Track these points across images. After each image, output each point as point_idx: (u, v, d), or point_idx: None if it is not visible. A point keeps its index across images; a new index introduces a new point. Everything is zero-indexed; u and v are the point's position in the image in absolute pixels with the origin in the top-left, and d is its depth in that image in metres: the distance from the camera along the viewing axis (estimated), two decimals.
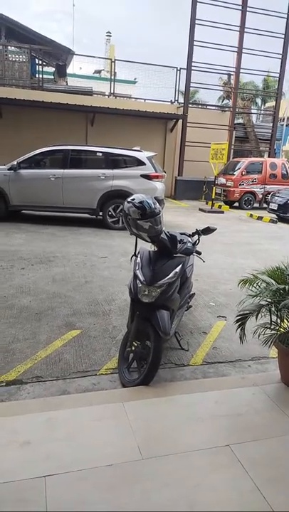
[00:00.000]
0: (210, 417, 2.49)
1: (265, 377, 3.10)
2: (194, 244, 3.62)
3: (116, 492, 1.89)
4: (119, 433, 2.32)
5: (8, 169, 8.48)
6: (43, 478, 1.93)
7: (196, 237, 3.74)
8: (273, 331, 2.82)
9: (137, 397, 2.69)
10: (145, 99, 17.28)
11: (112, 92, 16.50)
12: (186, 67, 15.70)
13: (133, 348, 3.00)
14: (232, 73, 17.32)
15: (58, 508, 1.78)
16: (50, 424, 2.36)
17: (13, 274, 5.31)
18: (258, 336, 2.84)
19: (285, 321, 2.86)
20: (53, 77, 18.47)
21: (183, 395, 2.77)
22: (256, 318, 2.84)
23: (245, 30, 15.98)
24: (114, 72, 17.11)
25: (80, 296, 4.67)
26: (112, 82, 16.42)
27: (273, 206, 12.21)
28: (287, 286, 2.76)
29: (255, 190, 14.24)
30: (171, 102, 17.04)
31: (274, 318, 2.86)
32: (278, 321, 2.86)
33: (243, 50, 16.27)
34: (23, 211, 9.30)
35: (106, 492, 1.88)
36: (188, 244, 3.40)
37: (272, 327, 2.84)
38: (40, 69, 16.59)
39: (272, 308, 2.82)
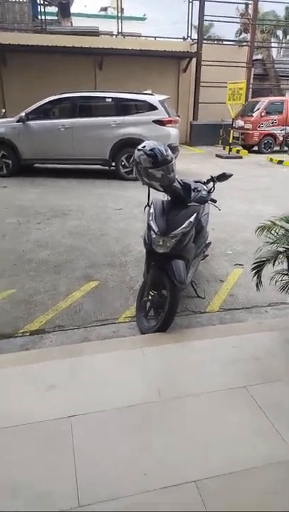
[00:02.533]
0: (227, 361, 2.56)
1: (283, 322, 3.13)
2: (209, 192, 3.51)
3: (136, 431, 2.00)
4: (139, 377, 2.42)
5: (17, 121, 8.26)
6: (68, 419, 2.06)
7: (210, 184, 3.62)
8: None
9: (156, 342, 2.77)
10: (156, 37, 16.14)
11: (120, 31, 15.42)
12: None
13: (150, 298, 3.04)
14: (250, 2, 15.80)
15: (84, 445, 1.91)
16: (73, 370, 2.47)
17: (30, 229, 5.35)
18: (275, 283, 2.82)
19: None
20: (56, 17, 17.34)
21: (200, 340, 2.84)
22: (273, 265, 2.81)
23: None
24: (122, 9, 15.91)
25: (96, 249, 4.70)
26: (120, 20, 15.28)
27: None
28: None
29: (275, 132, 13.51)
30: (183, 38, 15.86)
31: None
32: None
33: None
34: (36, 165, 9.18)
35: (127, 431, 2.00)
36: (203, 192, 3.30)
37: None
38: (43, 9, 15.52)
39: None
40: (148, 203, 3.09)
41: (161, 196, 3.14)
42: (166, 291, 2.89)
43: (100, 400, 2.20)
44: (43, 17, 15.08)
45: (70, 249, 4.66)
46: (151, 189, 2.96)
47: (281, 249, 2.76)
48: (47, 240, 4.97)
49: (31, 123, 8.25)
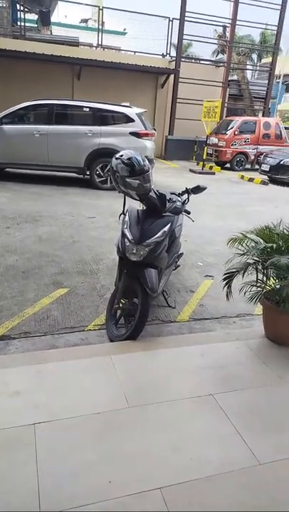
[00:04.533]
0: (195, 369, 2.58)
1: (249, 332, 3.19)
2: (184, 203, 3.58)
3: (103, 438, 1.97)
4: (107, 384, 2.39)
5: None
6: (32, 426, 2.00)
7: (185, 196, 3.69)
8: (259, 289, 2.87)
9: (124, 350, 2.75)
10: (135, 52, 16.41)
11: (99, 43, 15.57)
12: (179, 17, 14.80)
13: (121, 305, 3.03)
14: (227, 25, 16.44)
15: (47, 453, 1.85)
16: (39, 376, 2.41)
17: None
18: (244, 294, 2.89)
19: (271, 278, 2.90)
20: (36, 25, 17.32)
21: (169, 348, 2.85)
22: (243, 276, 2.88)
23: None
24: (103, 22, 16.07)
25: (67, 256, 4.65)
26: (100, 33, 15.45)
27: (265, 167, 12.08)
28: (274, 245, 2.77)
29: (247, 150, 13.98)
30: (162, 55, 16.22)
31: (260, 276, 2.90)
32: (264, 279, 2.90)
33: (240, 0, 15.36)
34: (8, 169, 9.02)
35: (93, 438, 1.96)
36: (178, 203, 3.35)
37: (258, 285, 2.89)
38: (23, 16, 15.46)
39: (259, 267, 2.85)
40: (123, 211, 3.11)
41: (136, 205, 3.16)
42: (137, 300, 2.89)
43: (65, 407, 2.15)
44: (22, 23, 15.01)
45: (40, 256, 4.58)
46: (126, 198, 2.98)
47: (251, 261, 2.84)
48: (16, 245, 4.86)
49: (5, 127, 8.14)
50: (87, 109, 8.52)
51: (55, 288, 3.80)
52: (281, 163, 11.53)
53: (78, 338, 3.04)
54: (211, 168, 13.43)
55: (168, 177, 10.88)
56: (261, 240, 2.91)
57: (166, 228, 2.97)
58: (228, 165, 13.98)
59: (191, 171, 12.79)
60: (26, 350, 2.83)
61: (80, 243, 5.11)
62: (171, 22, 15.26)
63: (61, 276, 4.08)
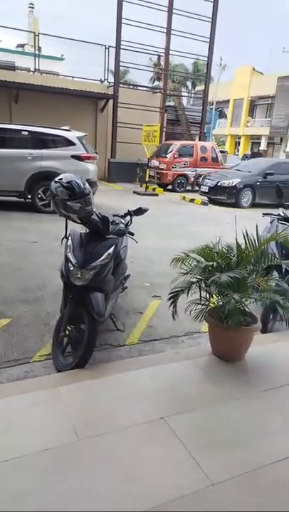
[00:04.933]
0: (145, 393, 2.54)
1: (197, 350, 3.24)
2: (127, 225, 3.60)
3: (53, 477, 1.86)
4: (55, 417, 2.28)
5: None
6: None
7: (128, 217, 3.73)
8: (203, 306, 2.94)
9: (72, 380, 2.65)
10: (73, 77, 16.64)
11: (37, 68, 15.60)
12: (115, 45, 15.32)
13: (67, 333, 2.94)
14: (162, 54, 17.31)
15: None
16: None
17: None
18: (190, 312, 2.94)
19: (214, 296, 2.99)
20: None
21: (119, 374, 2.79)
22: (187, 295, 2.94)
23: (174, 11, 15.95)
24: (39, 47, 16.17)
25: (9, 284, 4.45)
26: (37, 58, 15.51)
27: (204, 189, 12.62)
28: (214, 263, 2.87)
29: (187, 172, 14.58)
30: (100, 80, 16.61)
31: (204, 294, 2.98)
32: (208, 296, 2.98)
33: (172, 32, 16.28)
34: None
35: (43, 478, 1.84)
36: (121, 225, 3.37)
37: (202, 302, 2.96)
38: None
39: (202, 285, 2.92)
40: (65, 235, 3.05)
41: (79, 228, 3.13)
42: (84, 326, 2.83)
43: (11, 446, 2.01)
44: None
45: None
46: (69, 221, 2.94)
47: (194, 280, 2.90)
48: None
49: None
50: (26, 133, 8.40)
51: None
52: (218, 184, 12.12)
53: (22, 371, 2.88)
54: (154, 189, 13.77)
55: (112, 199, 10.96)
56: (202, 259, 3.00)
57: (110, 250, 2.96)
58: (170, 186, 14.45)
59: (135, 192, 13.01)
60: None
61: (22, 270, 4.93)
62: (107, 49, 15.73)
63: (3, 306, 3.88)
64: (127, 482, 1.85)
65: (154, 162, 14.32)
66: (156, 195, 13.09)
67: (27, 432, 2.13)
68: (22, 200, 8.52)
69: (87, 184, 2.82)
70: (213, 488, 1.85)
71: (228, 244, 3.13)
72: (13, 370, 2.87)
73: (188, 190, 14.46)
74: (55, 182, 2.72)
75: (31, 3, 34.29)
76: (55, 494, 1.76)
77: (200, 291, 2.94)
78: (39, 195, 8.26)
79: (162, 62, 17.64)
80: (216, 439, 2.20)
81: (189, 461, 2.01)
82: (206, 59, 17.91)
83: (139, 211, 3.70)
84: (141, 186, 14.28)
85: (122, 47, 15.29)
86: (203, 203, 12.05)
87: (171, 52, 16.92)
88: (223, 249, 3.05)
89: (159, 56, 17.96)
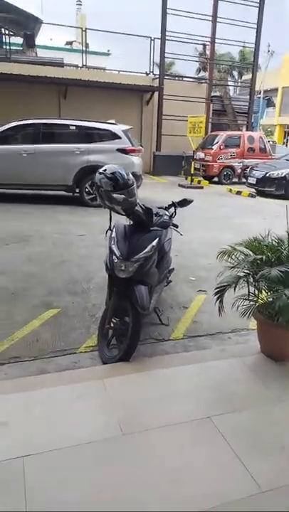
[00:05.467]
0: (190, 390, 2.48)
1: (244, 348, 3.12)
2: (171, 217, 3.54)
3: (96, 471, 1.86)
4: (99, 410, 2.29)
5: None
6: (21, 459, 1.88)
7: (172, 209, 3.66)
8: (252, 302, 2.81)
9: (117, 373, 2.65)
10: (119, 71, 16.70)
11: (84, 63, 15.83)
12: (160, 36, 15.14)
13: (112, 325, 2.94)
14: (207, 43, 16.87)
15: (36, 488, 1.74)
16: (29, 404, 2.30)
17: None
18: (237, 308, 2.83)
19: (263, 291, 2.85)
20: (21, 47, 17.55)
21: (163, 369, 2.75)
22: (234, 290, 2.82)
23: None
24: (87, 43, 16.40)
25: (57, 275, 4.56)
26: (84, 54, 15.73)
27: (252, 180, 12.20)
28: (264, 257, 2.73)
29: (233, 164, 14.15)
30: (146, 73, 16.52)
31: (252, 289, 2.85)
32: (256, 292, 2.84)
33: (218, 19, 15.80)
34: None
35: (86, 471, 1.85)
36: (165, 217, 3.32)
37: (250, 298, 2.83)
38: (7, 40, 15.69)
39: (250, 280, 2.80)
40: (110, 227, 3.05)
41: (123, 220, 3.11)
42: (128, 318, 2.81)
43: (56, 438, 2.04)
44: (7, 47, 15.22)
45: (29, 276, 4.48)
46: (113, 213, 2.93)
47: (241, 274, 2.78)
48: (4, 266, 4.76)
49: None
50: (74, 128, 8.56)
51: (45, 309, 3.70)
52: (267, 175, 11.66)
53: (70, 361, 2.93)
54: (199, 182, 13.53)
55: (158, 192, 10.91)
56: (250, 252, 2.86)
57: (154, 243, 2.91)
58: (216, 179, 14.11)
59: (180, 185, 12.86)
60: (16, 376, 2.71)
61: (69, 262, 5.03)
62: (152, 41, 15.59)
63: (51, 297, 3.98)
64: (171, 482, 1.81)
65: (200, 154, 14.02)
66: (202, 187, 12.84)
67: (72, 424, 2.15)
68: (70, 194, 8.70)
69: (130, 175, 2.78)
70: (262, 496, 1.75)
71: (278, 237, 2.96)
72: (61, 360, 2.93)
73: (234, 183, 14.03)
74: (100, 173, 2.72)
75: (79, 1, 34.93)
76: (96, 488, 1.76)
77: (248, 286, 2.82)
78: (86, 189, 8.40)
79: (208, 52, 17.17)
80: (264, 442, 2.10)
81: (236, 463, 1.93)
82: (252, 46, 17.21)
83: (184, 202, 3.62)
84: (186, 179, 14.08)
85: (167, 38, 15.09)
86: (251, 195, 11.65)
87: (217, 40, 16.43)
88: (273, 242, 2.89)
89: (204, 45, 17.50)
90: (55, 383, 2.56)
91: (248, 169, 12.97)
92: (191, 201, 3.63)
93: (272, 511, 1.69)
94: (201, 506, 1.69)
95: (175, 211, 3.63)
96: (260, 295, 2.85)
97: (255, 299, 2.83)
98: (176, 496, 1.74)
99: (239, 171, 14.24)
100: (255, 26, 16.32)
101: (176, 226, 3.52)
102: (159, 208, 3.56)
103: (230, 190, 12.43)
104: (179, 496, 1.74)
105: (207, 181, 13.76)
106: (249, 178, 12.42)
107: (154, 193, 10.58)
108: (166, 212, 3.52)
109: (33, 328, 3.36)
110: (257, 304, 2.81)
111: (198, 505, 1.70)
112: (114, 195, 2.66)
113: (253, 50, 17.31)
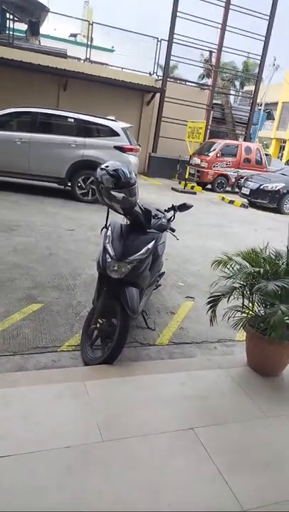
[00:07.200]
0: (175, 399, 2.41)
1: (231, 360, 3.06)
2: (169, 220, 3.47)
3: (73, 476, 1.76)
4: (79, 413, 2.19)
5: None
6: None
7: (171, 213, 3.59)
8: (244, 314, 2.76)
9: (100, 376, 2.55)
10: (122, 68, 16.58)
11: (87, 57, 15.65)
12: (167, 38, 15.10)
13: (98, 326, 2.84)
14: (214, 50, 16.90)
15: (8, 491, 1.63)
16: (5, 402, 2.19)
17: None
18: (228, 319, 2.77)
19: (256, 304, 2.79)
20: (24, 34, 17.25)
21: (147, 375, 2.67)
22: (228, 300, 2.76)
23: (231, 6, 15.53)
24: (91, 38, 16.21)
25: (43, 269, 4.42)
26: (89, 48, 15.55)
27: (245, 191, 12.24)
28: (261, 270, 2.67)
29: (228, 173, 14.19)
30: (149, 73, 16.44)
31: (246, 301, 2.79)
32: (250, 304, 2.79)
33: (227, 28, 15.85)
34: None
35: (62, 476, 1.75)
36: (163, 220, 3.24)
37: (243, 310, 2.77)
38: (11, 25, 15.36)
39: (245, 292, 2.74)
40: (106, 225, 2.95)
41: (120, 219, 3.02)
42: (116, 320, 2.72)
43: (32, 438, 1.93)
44: (10, 32, 14.90)
45: (14, 267, 4.33)
46: (110, 211, 2.84)
47: (236, 285, 2.72)
48: None
49: None
50: (72, 120, 8.39)
51: (28, 303, 3.57)
52: (261, 187, 11.72)
53: (50, 359, 2.82)
54: (192, 187, 13.51)
55: (150, 194, 10.82)
56: (247, 264, 2.81)
57: (150, 245, 2.83)
58: (209, 186, 14.12)
59: (173, 189, 12.82)
60: None
61: (57, 256, 4.90)
62: (159, 42, 15.53)
63: (35, 291, 3.85)
64: (152, 495, 1.73)
65: (196, 160, 14.01)
66: (195, 193, 12.82)
67: (49, 426, 2.05)
68: (61, 187, 8.54)
69: (133, 174, 2.70)
70: None
71: (276, 251, 2.91)
72: (41, 358, 2.81)
73: (227, 191, 14.08)
74: (101, 169, 2.61)
75: None
76: (73, 494, 1.67)
77: (242, 298, 2.76)
78: (79, 184, 8.25)
79: (213, 59, 17.20)
80: (248, 459, 2.04)
81: (218, 480, 1.86)
82: (258, 58, 17.33)
83: (184, 207, 3.55)
84: (179, 183, 14.04)
85: (174, 41, 15.06)
86: (243, 206, 11.69)
87: (224, 48, 16.49)
88: (271, 255, 2.84)
89: (210, 52, 17.52)
90: (34, 382, 2.45)
91: (243, 180, 13.02)
92: (190, 206, 3.57)
93: None
94: None
95: (174, 215, 3.56)
96: (253, 308, 2.80)
97: (247, 312, 2.77)
98: (153, 507, 1.66)
99: (233, 180, 14.29)
100: (263, 38, 16.44)
101: (173, 230, 3.44)
102: (157, 210, 3.49)
103: (223, 199, 12.45)
104: (157, 507, 1.66)
105: (200, 187, 13.75)
106: (243, 188, 12.46)
107: (147, 194, 10.49)
108: (165, 215, 3.44)
109: (14, 321, 3.23)
110: (249, 317, 2.75)
111: None
112: (114, 193, 2.56)
113: (259, 61, 17.41)
